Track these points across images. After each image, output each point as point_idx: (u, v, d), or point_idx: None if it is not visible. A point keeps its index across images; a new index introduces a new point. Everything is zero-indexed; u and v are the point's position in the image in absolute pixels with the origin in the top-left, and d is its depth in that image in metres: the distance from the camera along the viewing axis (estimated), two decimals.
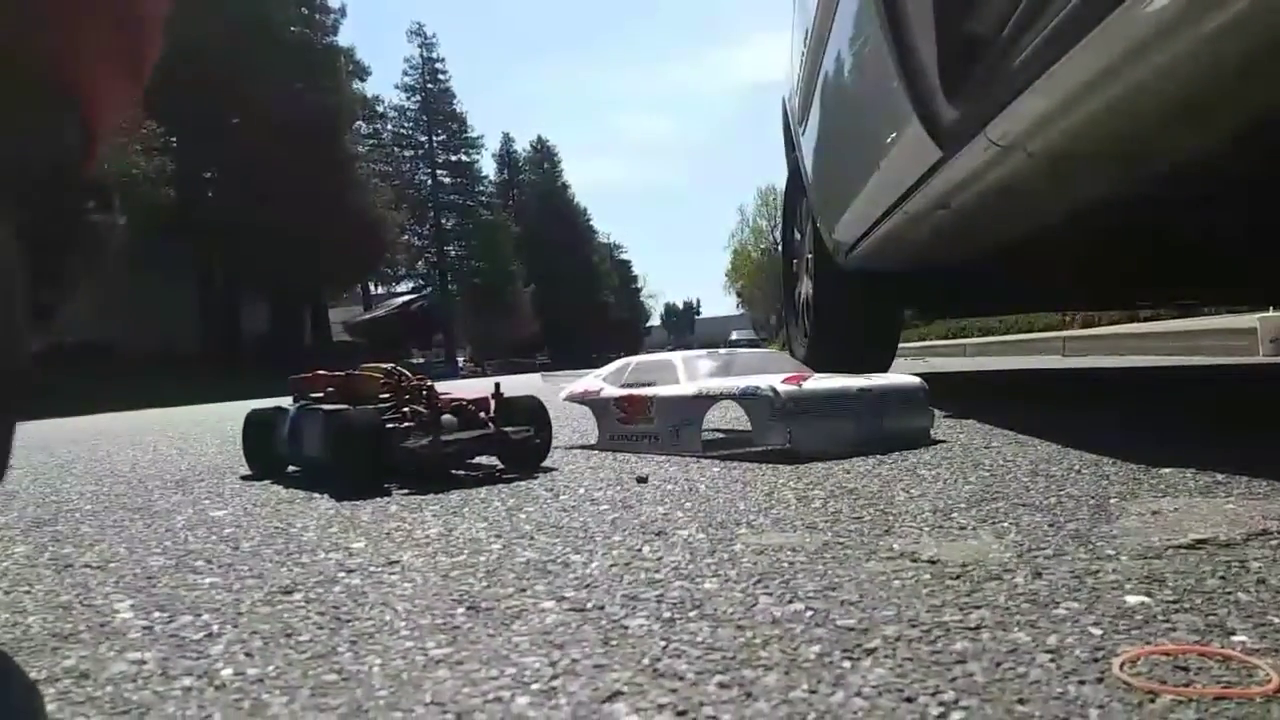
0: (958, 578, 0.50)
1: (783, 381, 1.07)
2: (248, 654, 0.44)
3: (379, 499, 0.90)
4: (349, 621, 0.48)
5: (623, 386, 1.30)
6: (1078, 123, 0.89)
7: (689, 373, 1.22)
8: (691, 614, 0.46)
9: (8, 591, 0.61)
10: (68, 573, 0.66)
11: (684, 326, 76.69)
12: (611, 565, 0.57)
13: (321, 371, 1.17)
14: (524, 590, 0.52)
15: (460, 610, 0.49)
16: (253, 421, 1.22)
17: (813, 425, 1.04)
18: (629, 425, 1.24)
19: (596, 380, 1.37)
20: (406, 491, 0.93)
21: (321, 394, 1.12)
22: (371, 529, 0.76)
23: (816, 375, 1.16)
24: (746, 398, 1.07)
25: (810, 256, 2.51)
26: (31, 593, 0.60)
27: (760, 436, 1.06)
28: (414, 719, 0.35)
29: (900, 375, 1.23)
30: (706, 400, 1.13)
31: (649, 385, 1.25)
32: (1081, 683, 0.34)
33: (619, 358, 1.60)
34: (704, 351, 1.34)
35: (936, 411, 1.49)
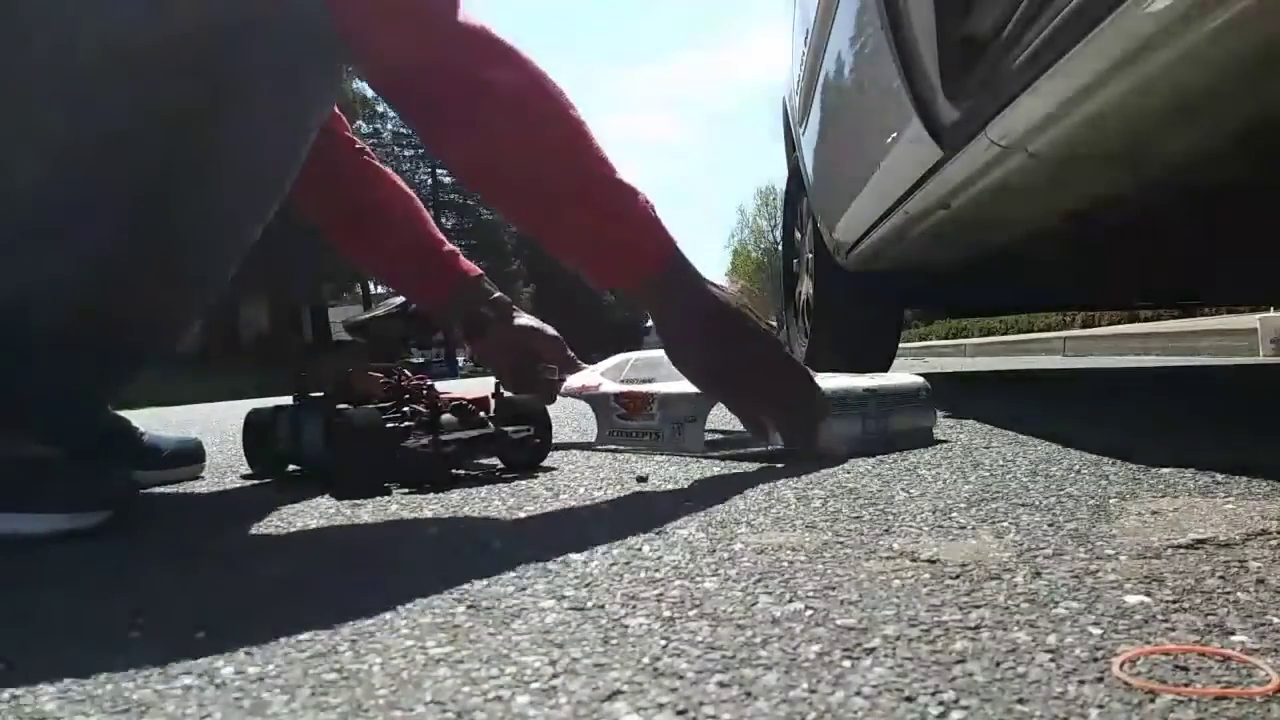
0: (957, 577, 0.50)
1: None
2: (248, 653, 0.44)
3: (379, 498, 0.90)
4: (349, 619, 0.48)
5: (622, 382, 1.28)
6: (1078, 123, 0.89)
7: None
8: (691, 613, 0.46)
9: (13, 590, 0.61)
10: (75, 570, 0.66)
11: None
12: (611, 564, 0.57)
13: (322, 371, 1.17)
14: (524, 589, 0.52)
15: (460, 609, 0.49)
16: (252, 421, 1.22)
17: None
18: (630, 421, 1.23)
19: (594, 375, 1.34)
20: (407, 491, 0.93)
21: (321, 393, 1.12)
22: (372, 527, 0.76)
23: (821, 375, 1.16)
24: None
25: (810, 256, 2.51)
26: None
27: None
28: (414, 717, 0.35)
29: (904, 375, 1.23)
30: (711, 398, 1.13)
31: (649, 381, 1.22)
32: (1081, 682, 0.35)
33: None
34: None
35: (937, 411, 1.49)
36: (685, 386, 1.15)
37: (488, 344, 1.22)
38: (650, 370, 1.27)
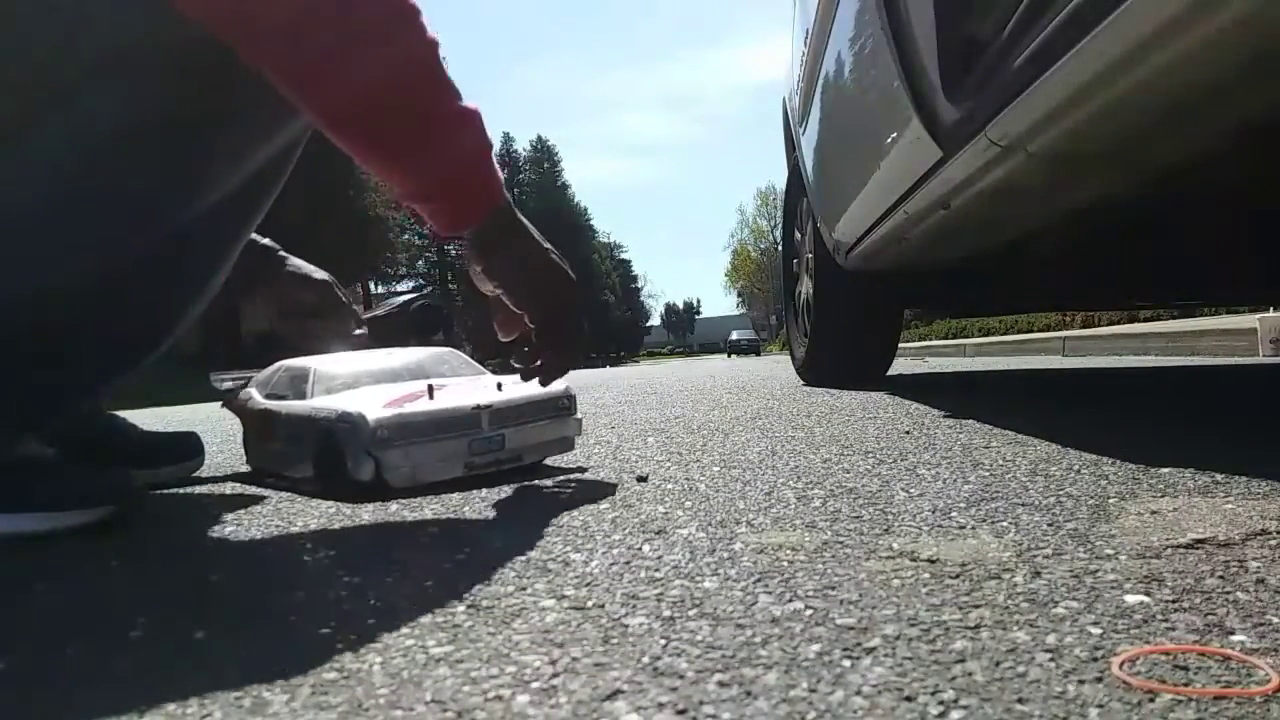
0: (957, 577, 0.50)
1: (385, 405, 0.89)
2: (248, 652, 0.44)
3: (380, 498, 0.89)
4: (349, 619, 0.48)
5: (266, 398, 1.08)
6: (1078, 123, 0.89)
7: (323, 383, 1.01)
8: (691, 612, 0.46)
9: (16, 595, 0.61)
10: (75, 570, 0.66)
11: (684, 326, 76.86)
12: (611, 564, 0.57)
13: None
14: (524, 589, 0.53)
15: (461, 608, 0.49)
16: None
17: (412, 452, 0.88)
18: (267, 445, 1.07)
19: (248, 389, 1.13)
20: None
21: None
22: (372, 527, 0.76)
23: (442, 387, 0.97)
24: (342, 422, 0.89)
25: (810, 256, 2.51)
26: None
27: (355, 470, 0.88)
28: (414, 717, 0.35)
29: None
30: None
31: (283, 399, 1.04)
32: (1081, 682, 0.35)
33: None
34: (358, 354, 1.10)
35: (936, 411, 1.49)
36: (322, 404, 0.96)
37: (266, 295, 1.17)
38: (290, 386, 1.06)
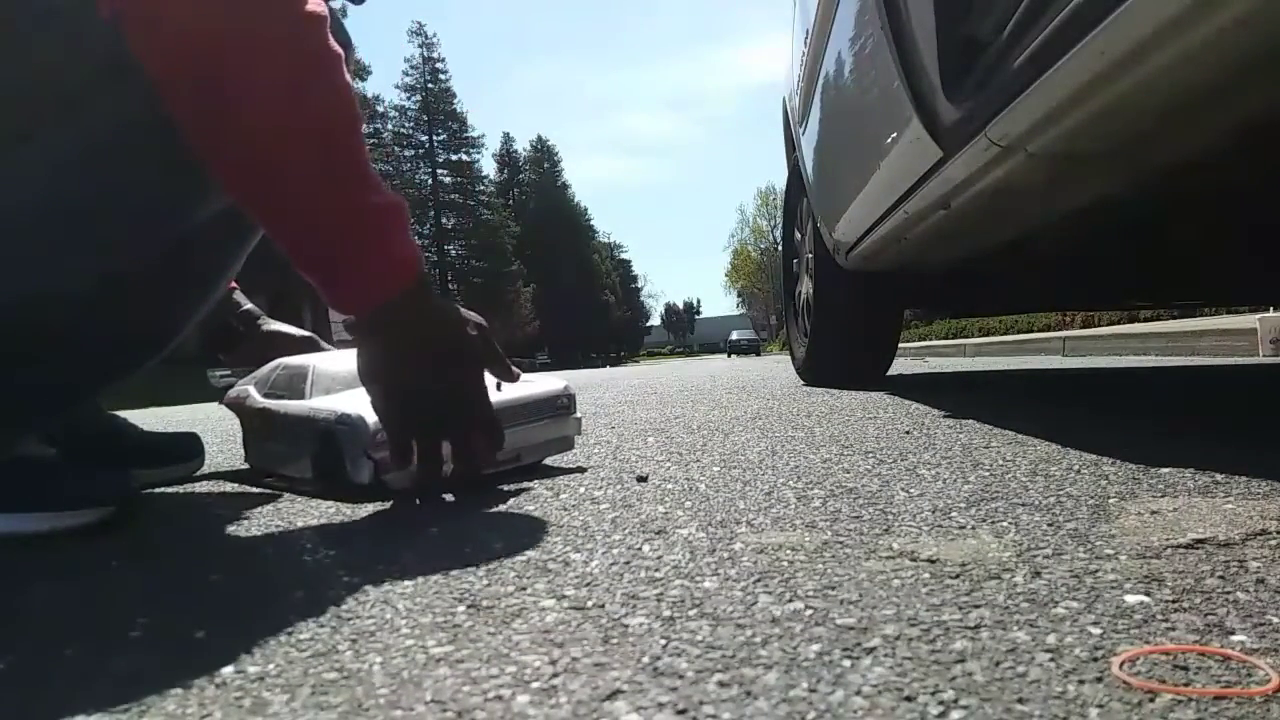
0: (957, 577, 0.50)
1: None
2: (248, 652, 0.44)
3: (379, 498, 0.89)
4: (349, 619, 0.48)
5: (264, 396, 1.07)
6: (1078, 123, 0.89)
7: (322, 383, 1.01)
8: (691, 612, 0.46)
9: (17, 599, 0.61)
10: (75, 570, 0.66)
11: (684, 326, 76.89)
12: (611, 564, 0.57)
13: None
14: (524, 589, 0.53)
15: (461, 608, 0.49)
16: None
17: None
18: (268, 444, 1.07)
19: (246, 386, 1.13)
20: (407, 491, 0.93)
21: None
22: (372, 527, 0.76)
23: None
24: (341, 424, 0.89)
25: (810, 256, 2.51)
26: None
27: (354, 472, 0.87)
28: (414, 717, 0.35)
29: (542, 383, 1.01)
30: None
31: (282, 398, 1.04)
32: (1081, 682, 0.35)
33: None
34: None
35: (936, 411, 1.49)
36: (320, 404, 0.95)
37: (239, 356, 1.19)
38: (289, 385, 1.05)
